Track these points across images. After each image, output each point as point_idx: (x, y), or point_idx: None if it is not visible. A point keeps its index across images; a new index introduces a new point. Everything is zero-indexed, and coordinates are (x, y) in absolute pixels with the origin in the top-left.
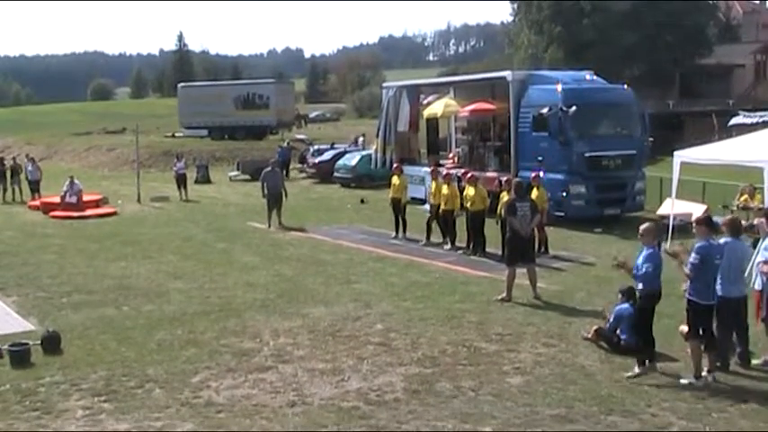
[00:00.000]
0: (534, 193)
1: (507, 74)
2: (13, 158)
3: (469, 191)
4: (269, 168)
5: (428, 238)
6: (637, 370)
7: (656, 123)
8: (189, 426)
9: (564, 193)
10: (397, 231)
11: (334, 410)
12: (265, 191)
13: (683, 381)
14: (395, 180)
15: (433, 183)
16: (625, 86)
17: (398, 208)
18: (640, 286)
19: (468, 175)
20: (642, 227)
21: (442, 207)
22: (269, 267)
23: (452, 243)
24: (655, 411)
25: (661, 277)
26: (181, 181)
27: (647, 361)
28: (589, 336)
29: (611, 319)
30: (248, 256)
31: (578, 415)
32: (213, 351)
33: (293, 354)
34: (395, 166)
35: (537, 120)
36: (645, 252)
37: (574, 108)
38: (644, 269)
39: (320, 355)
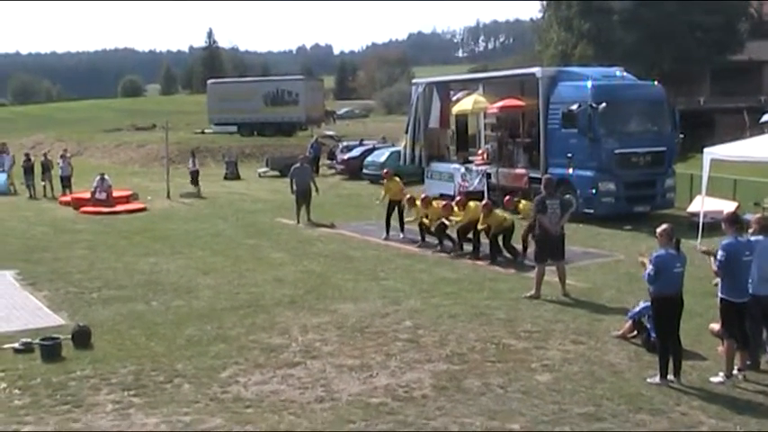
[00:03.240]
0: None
1: (537, 70)
2: (44, 154)
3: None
4: (298, 164)
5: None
6: (658, 380)
7: (687, 120)
8: (217, 421)
9: (593, 191)
10: (388, 233)
11: (362, 406)
12: (294, 187)
13: (713, 379)
14: (390, 185)
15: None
16: (655, 83)
17: (397, 209)
18: (650, 289)
19: (483, 202)
20: (658, 229)
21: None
22: (297, 263)
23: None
24: (684, 410)
25: (673, 281)
26: (194, 178)
27: (667, 374)
28: (619, 333)
29: (638, 308)
30: (277, 253)
31: (606, 413)
32: (242, 347)
33: (321, 350)
34: (385, 171)
35: (566, 116)
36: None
37: (603, 105)
38: (647, 272)
39: (348, 351)
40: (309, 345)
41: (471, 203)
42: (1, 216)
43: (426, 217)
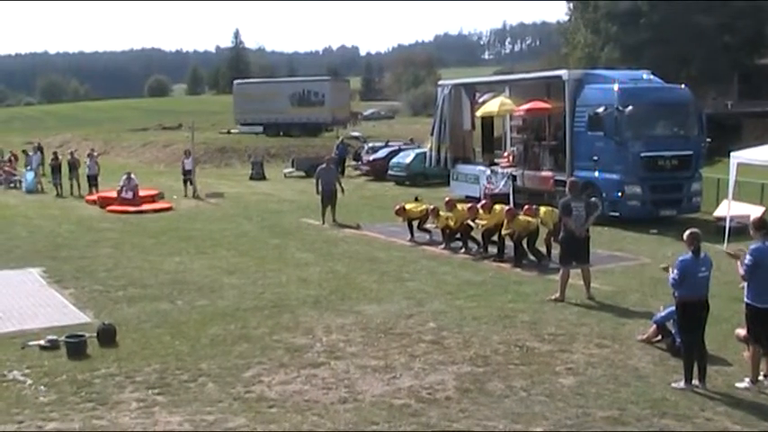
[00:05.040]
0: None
1: (563, 73)
2: (72, 153)
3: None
4: (323, 165)
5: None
6: (682, 385)
7: (714, 124)
8: (241, 420)
9: (619, 194)
10: (413, 234)
11: (386, 407)
12: (320, 188)
13: (738, 385)
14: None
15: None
16: (682, 86)
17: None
18: (676, 294)
19: (507, 209)
20: (685, 233)
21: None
22: (322, 264)
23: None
24: (709, 416)
25: (698, 285)
26: (187, 177)
27: (692, 379)
28: (644, 337)
29: (663, 313)
30: (302, 253)
31: (631, 417)
32: (266, 346)
33: (345, 350)
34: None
35: (593, 119)
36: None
37: (630, 108)
38: (671, 276)
39: (372, 352)
40: (333, 345)
41: (497, 206)
42: (28, 214)
43: (450, 220)
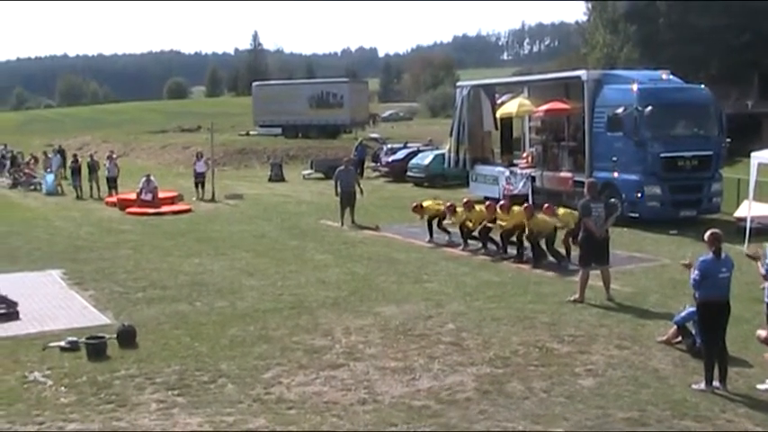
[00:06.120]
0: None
1: (582, 73)
2: (91, 155)
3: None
4: (342, 167)
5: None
6: (703, 386)
7: (734, 124)
8: (260, 421)
9: (638, 194)
10: (432, 235)
11: (405, 409)
12: (338, 189)
13: (759, 386)
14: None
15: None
16: (702, 86)
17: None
18: (696, 294)
19: (525, 206)
20: (706, 233)
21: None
22: (341, 265)
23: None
24: (730, 417)
25: (718, 286)
26: (199, 180)
27: (712, 381)
28: (664, 338)
29: (683, 314)
30: (321, 254)
31: (651, 419)
32: (285, 348)
33: (365, 352)
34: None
35: (612, 120)
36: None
37: (649, 108)
38: (692, 276)
39: (391, 353)
40: (352, 346)
41: (515, 208)
42: (48, 216)
43: (469, 220)
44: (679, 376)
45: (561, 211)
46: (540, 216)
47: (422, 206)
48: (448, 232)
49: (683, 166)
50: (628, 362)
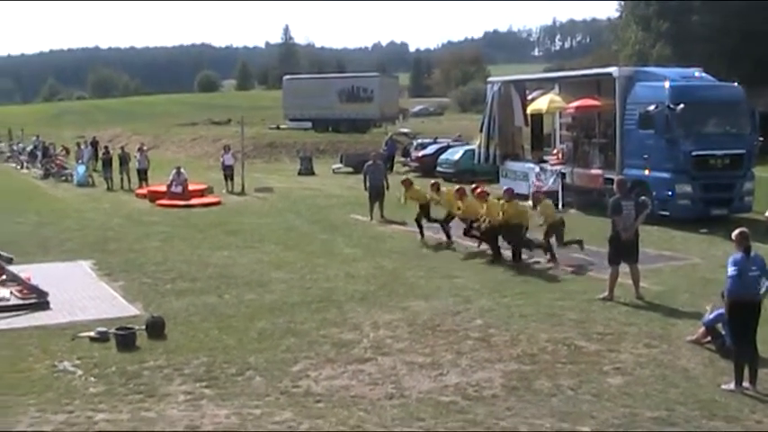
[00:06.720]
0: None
1: (614, 70)
2: (122, 148)
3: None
4: (371, 162)
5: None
6: (732, 387)
7: (767, 122)
8: (287, 414)
9: (669, 192)
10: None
11: (432, 404)
12: (367, 184)
13: None
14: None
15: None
16: (735, 84)
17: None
18: (726, 294)
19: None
20: (734, 232)
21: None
22: (370, 260)
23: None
24: (759, 418)
25: (748, 285)
26: (227, 173)
27: (742, 381)
28: (694, 338)
29: (712, 315)
30: (349, 248)
31: (679, 418)
32: (313, 341)
33: (392, 346)
34: (404, 179)
35: (643, 117)
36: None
37: (681, 106)
38: (728, 274)
39: (419, 348)
40: (380, 341)
41: (444, 189)
42: (79, 207)
43: (459, 209)
44: (708, 376)
45: (543, 204)
46: (470, 199)
47: (411, 182)
48: (477, 237)
49: (715, 165)
50: (656, 361)
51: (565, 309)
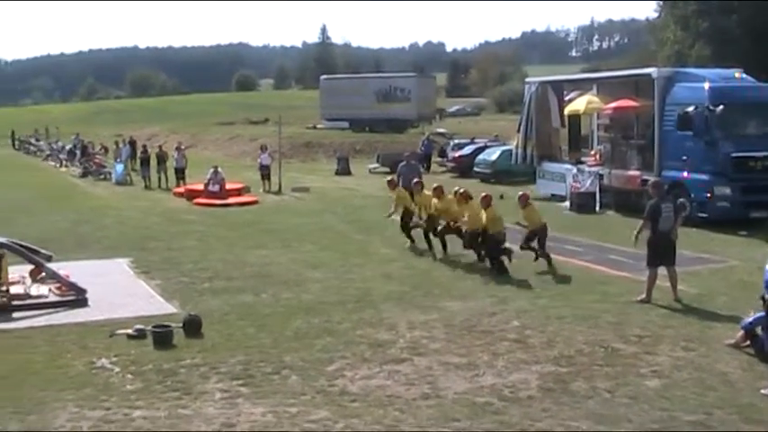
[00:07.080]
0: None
1: (652, 71)
2: (160, 146)
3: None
4: (404, 162)
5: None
6: None
7: None
8: (323, 413)
9: (708, 195)
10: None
11: (468, 405)
12: (402, 184)
13: None
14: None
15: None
16: None
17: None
18: (765, 297)
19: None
20: None
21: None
22: (406, 260)
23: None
24: None
25: None
26: (264, 172)
27: None
28: (732, 341)
29: (751, 318)
30: (385, 249)
31: (717, 422)
32: (349, 341)
33: (428, 347)
34: (389, 179)
35: (682, 118)
36: None
37: (721, 107)
38: (766, 277)
39: (455, 349)
40: (416, 341)
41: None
42: (117, 205)
43: (435, 209)
44: (747, 380)
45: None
46: (426, 193)
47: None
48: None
49: (755, 167)
50: (694, 364)
51: (602, 311)
